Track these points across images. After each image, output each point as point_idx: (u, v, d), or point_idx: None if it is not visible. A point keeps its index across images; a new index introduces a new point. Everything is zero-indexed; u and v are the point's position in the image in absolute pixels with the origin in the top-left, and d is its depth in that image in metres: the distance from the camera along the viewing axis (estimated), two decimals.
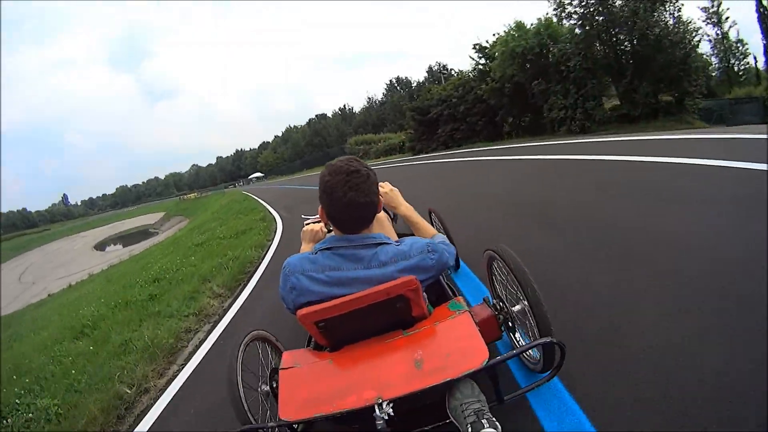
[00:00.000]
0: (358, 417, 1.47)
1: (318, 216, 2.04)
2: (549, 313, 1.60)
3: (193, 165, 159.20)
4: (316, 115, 75.84)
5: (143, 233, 33.32)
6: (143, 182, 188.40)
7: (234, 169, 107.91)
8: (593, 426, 1.56)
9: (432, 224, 3.04)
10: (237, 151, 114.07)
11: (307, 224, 2.20)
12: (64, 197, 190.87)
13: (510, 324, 1.85)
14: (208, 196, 51.56)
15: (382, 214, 2.25)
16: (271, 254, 6.65)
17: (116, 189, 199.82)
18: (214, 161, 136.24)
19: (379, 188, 1.72)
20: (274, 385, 1.86)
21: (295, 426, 1.58)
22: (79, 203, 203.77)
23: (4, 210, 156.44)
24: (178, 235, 16.46)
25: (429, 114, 26.25)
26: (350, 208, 1.53)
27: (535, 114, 20.29)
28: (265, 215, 12.14)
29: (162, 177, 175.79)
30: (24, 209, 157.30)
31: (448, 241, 1.83)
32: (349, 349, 1.70)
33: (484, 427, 1.32)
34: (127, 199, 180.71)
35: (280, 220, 10.45)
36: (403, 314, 1.63)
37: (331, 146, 62.93)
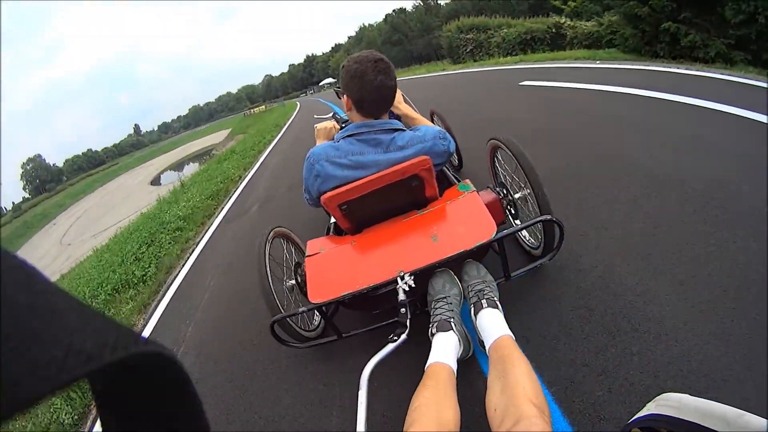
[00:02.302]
0: (382, 295, 1.62)
1: (330, 115, 2.12)
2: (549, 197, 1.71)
3: (266, 75, 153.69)
4: (394, 10, 63.55)
5: (206, 154, 30.46)
6: (215, 99, 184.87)
7: (306, 75, 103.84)
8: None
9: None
10: (307, 56, 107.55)
11: (320, 124, 2.27)
12: (136, 127, 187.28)
13: (512, 210, 2.00)
14: (273, 108, 46.76)
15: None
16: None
17: (189, 109, 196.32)
18: (286, 69, 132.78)
19: None
20: (299, 279, 2.03)
21: (324, 309, 1.73)
22: (155, 128, 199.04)
23: (79, 151, 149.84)
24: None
25: None
26: (381, 89, 1.64)
27: None
28: None
29: (234, 91, 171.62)
30: (89, 150, 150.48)
31: (446, 134, 1.94)
32: (370, 231, 1.85)
33: (483, 308, 1.47)
34: (200, 118, 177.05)
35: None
36: (418, 194, 1.76)
37: (413, 41, 55.12)
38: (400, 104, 2.17)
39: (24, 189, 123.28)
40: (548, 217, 1.58)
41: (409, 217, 1.79)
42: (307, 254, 1.87)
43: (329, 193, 1.69)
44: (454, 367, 1.35)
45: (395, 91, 1.71)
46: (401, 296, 1.52)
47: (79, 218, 28.60)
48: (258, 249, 2.00)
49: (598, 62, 7.52)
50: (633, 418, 0.76)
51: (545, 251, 1.81)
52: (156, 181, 32.76)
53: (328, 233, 2.09)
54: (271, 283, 1.91)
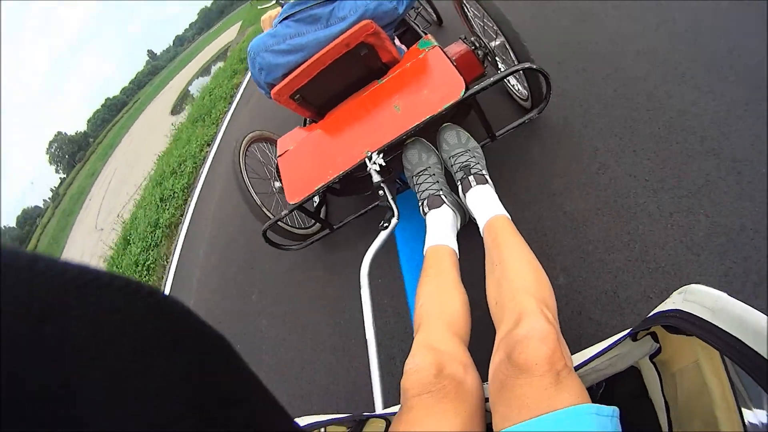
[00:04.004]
0: (365, 177, 1.52)
1: (273, 2, 1.90)
2: (527, 43, 1.46)
3: None
4: None
5: (225, 52, 28.85)
6: None
7: None
8: None
9: None
10: None
11: (265, 14, 2.06)
12: (150, 53, 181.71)
13: (492, 59, 1.78)
14: None
15: None
16: None
17: (197, 14, 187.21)
18: None
19: None
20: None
21: (308, 206, 1.68)
22: (171, 45, 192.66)
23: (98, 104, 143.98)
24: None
25: None
26: None
27: None
28: None
29: None
30: (106, 99, 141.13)
31: None
32: (333, 113, 1.71)
33: (471, 186, 1.33)
34: (211, 18, 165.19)
35: None
36: (373, 62, 1.58)
37: None
38: None
39: (56, 171, 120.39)
40: (525, 65, 1.35)
41: (370, 89, 1.63)
42: (277, 154, 1.78)
43: (276, 87, 1.55)
44: (454, 245, 1.26)
45: None
46: (375, 177, 1.43)
47: (110, 185, 26.47)
48: (233, 163, 1.92)
49: None
50: (653, 312, 0.63)
51: (534, 104, 1.61)
52: (178, 107, 29.37)
53: (305, 124, 1.96)
54: (254, 193, 1.86)
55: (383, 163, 1.43)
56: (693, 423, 0.63)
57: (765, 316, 0.45)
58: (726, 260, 1.04)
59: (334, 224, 1.83)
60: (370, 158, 1.43)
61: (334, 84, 1.61)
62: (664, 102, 1.43)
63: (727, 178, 1.16)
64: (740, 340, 0.47)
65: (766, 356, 0.43)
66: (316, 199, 2.11)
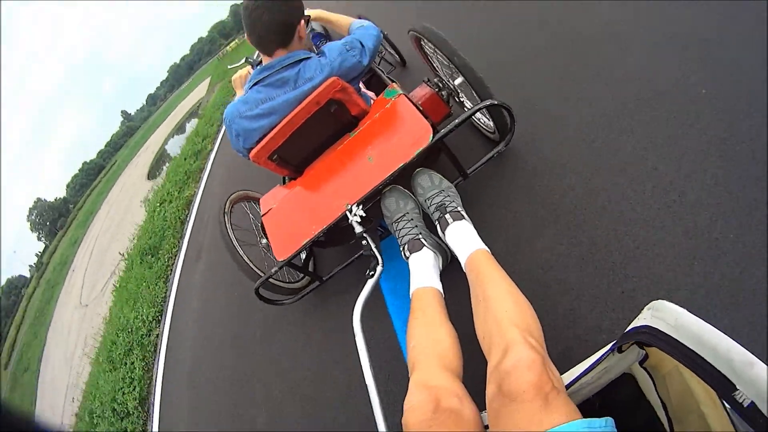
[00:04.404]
0: (346, 227, 1.54)
1: (242, 61, 1.96)
2: (487, 80, 1.52)
3: (231, 5, 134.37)
4: None
5: (198, 109, 28.11)
6: (189, 50, 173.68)
7: None
8: None
9: None
10: None
11: (235, 75, 2.12)
12: (124, 114, 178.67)
13: (458, 98, 1.85)
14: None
15: None
16: None
17: (167, 71, 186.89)
18: None
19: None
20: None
21: (296, 261, 1.70)
22: (144, 104, 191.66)
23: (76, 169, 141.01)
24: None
25: None
26: (256, 27, 1.49)
27: None
28: None
29: (205, 34, 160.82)
30: (84, 163, 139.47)
31: (366, 24, 1.75)
32: (310, 169, 1.76)
33: (449, 224, 1.37)
34: (181, 75, 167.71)
35: None
36: (343, 116, 1.63)
37: None
38: (312, 13, 1.95)
39: (39, 239, 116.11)
40: (487, 103, 1.42)
41: (343, 143, 1.68)
42: (261, 213, 1.81)
43: (254, 150, 1.59)
44: (438, 285, 1.30)
45: (283, 25, 1.51)
46: (357, 228, 1.46)
47: (92, 255, 25.15)
48: (220, 225, 1.96)
49: None
50: (629, 328, 0.70)
51: (501, 137, 1.68)
52: (154, 171, 29.10)
53: (284, 182, 2.00)
54: (243, 253, 1.89)
55: (363, 214, 1.47)
56: (689, 418, 0.69)
57: (720, 334, 0.54)
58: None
59: (323, 276, 1.86)
60: (350, 211, 1.46)
61: (308, 141, 1.66)
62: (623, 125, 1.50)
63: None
64: (699, 355, 0.55)
65: (720, 370, 0.52)
66: (303, 253, 2.14)
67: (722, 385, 0.50)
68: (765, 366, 0.48)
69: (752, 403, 0.46)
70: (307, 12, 1.93)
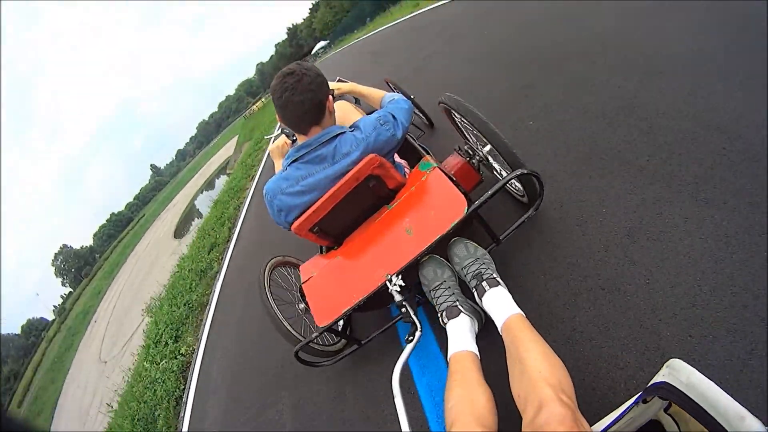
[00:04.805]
0: (380, 297, 1.60)
1: (278, 130, 2.07)
2: (515, 147, 1.59)
3: (258, 64, 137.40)
4: None
5: (227, 166, 26.99)
6: (217, 107, 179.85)
7: (294, 50, 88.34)
8: None
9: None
10: (289, 29, 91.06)
11: (271, 144, 2.23)
12: (153, 167, 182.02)
13: (486, 164, 1.93)
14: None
15: (346, 106, 2.26)
16: None
17: (196, 128, 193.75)
18: (273, 51, 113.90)
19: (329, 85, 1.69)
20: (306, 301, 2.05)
21: (336, 327, 1.76)
22: (173, 158, 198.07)
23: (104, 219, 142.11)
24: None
25: None
26: (288, 108, 1.55)
27: None
28: None
29: (232, 92, 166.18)
30: (112, 214, 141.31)
31: (397, 97, 1.83)
32: (350, 240, 1.83)
33: (486, 291, 1.42)
34: (209, 132, 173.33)
35: None
36: (381, 191, 1.71)
37: None
38: (343, 87, 2.08)
39: (63, 284, 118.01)
40: (517, 173, 1.48)
41: (381, 215, 1.76)
42: (302, 281, 1.88)
43: (296, 223, 1.67)
44: (475, 350, 1.35)
45: (312, 103, 1.56)
46: (397, 297, 1.51)
47: (114, 310, 25.14)
48: (259, 290, 2.03)
49: None
50: (650, 383, 0.80)
51: (530, 201, 1.75)
52: (180, 230, 29.04)
53: (321, 251, 2.08)
54: (282, 317, 1.95)
55: (403, 284, 1.52)
56: None
57: (721, 392, 0.69)
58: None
59: (361, 339, 1.90)
60: (390, 280, 1.52)
61: (347, 214, 1.74)
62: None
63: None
64: (705, 410, 0.69)
65: (721, 424, 0.67)
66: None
67: None
68: (754, 418, 0.63)
69: None
70: (340, 85, 2.07)
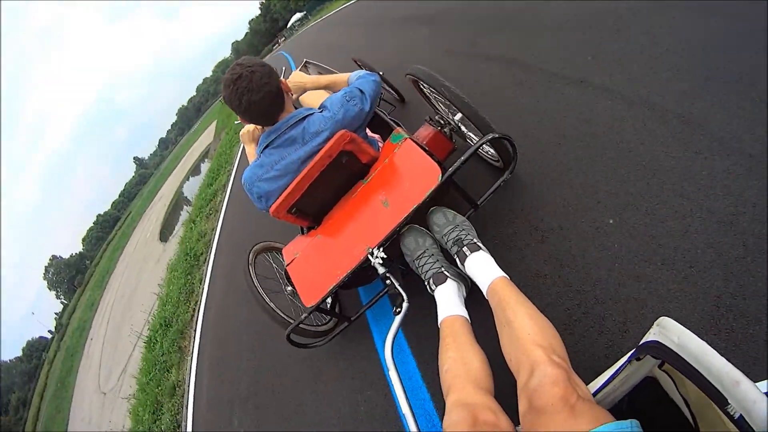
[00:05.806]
0: (365, 272, 1.64)
1: None
2: (485, 112, 1.62)
3: (233, 43, 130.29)
4: None
5: (209, 152, 25.91)
6: (195, 91, 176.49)
7: (269, 25, 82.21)
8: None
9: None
10: (261, 3, 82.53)
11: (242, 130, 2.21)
12: (136, 160, 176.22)
13: (459, 132, 1.94)
14: None
15: (315, 93, 2.25)
16: None
17: (176, 114, 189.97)
18: (248, 28, 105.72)
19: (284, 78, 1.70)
20: (293, 284, 2.08)
21: (324, 306, 1.78)
22: (156, 148, 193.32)
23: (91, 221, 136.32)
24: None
25: None
26: (252, 109, 1.57)
27: None
28: None
29: (209, 74, 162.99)
30: (98, 216, 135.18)
31: (363, 74, 1.84)
32: (328, 218, 1.85)
33: (467, 256, 1.45)
34: (189, 117, 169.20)
35: None
36: (354, 165, 1.73)
37: None
38: (306, 85, 2.07)
39: (57, 297, 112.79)
40: (489, 136, 1.50)
41: (357, 191, 1.78)
42: (285, 264, 1.90)
43: (273, 206, 1.68)
44: (464, 313, 1.38)
45: (272, 95, 1.57)
46: (380, 269, 1.53)
47: (108, 324, 23.55)
48: (245, 278, 2.05)
49: None
50: (641, 342, 0.79)
51: (504, 165, 1.77)
52: (166, 230, 27.47)
53: (302, 232, 2.10)
54: (270, 302, 1.97)
55: (384, 256, 1.54)
56: (709, 412, 0.74)
57: (714, 353, 0.64)
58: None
59: (351, 316, 1.93)
60: (372, 254, 1.54)
61: (323, 192, 1.75)
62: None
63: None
64: (698, 371, 0.65)
65: (715, 386, 0.61)
66: (330, 297, 2.22)
67: (717, 399, 0.59)
68: (750, 383, 0.57)
69: (741, 415, 0.54)
70: (300, 81, 2.04)
